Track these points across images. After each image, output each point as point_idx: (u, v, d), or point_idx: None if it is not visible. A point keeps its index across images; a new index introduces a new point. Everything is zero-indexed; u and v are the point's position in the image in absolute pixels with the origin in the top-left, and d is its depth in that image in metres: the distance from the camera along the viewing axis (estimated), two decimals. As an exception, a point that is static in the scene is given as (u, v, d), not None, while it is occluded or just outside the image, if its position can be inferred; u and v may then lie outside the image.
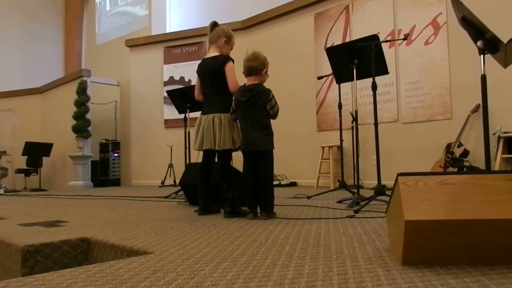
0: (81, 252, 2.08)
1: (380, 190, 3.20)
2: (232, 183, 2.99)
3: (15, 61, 12.04)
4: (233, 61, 3.05)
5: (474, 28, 2.29)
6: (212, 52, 3.15)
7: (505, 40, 2.17)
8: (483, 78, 2.31)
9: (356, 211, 2.89)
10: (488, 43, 2.25)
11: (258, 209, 2.78)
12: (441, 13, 5.33)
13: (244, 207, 2.87)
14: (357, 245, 1.76)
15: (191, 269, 1.41)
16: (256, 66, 2.84)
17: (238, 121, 2.97)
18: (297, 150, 6.76)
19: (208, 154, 3.13)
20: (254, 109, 2.80)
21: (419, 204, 1.35)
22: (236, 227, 2.39)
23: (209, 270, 1.40)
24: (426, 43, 5.46)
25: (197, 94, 3.28)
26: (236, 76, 3.02)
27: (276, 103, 2.83)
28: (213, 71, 3.07)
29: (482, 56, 2.29)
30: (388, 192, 3.22)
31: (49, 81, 10.60)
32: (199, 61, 3.25)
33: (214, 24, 3.22)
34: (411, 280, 1.20)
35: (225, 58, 3.05)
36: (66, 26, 13.38)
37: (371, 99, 3.40)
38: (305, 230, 2.21)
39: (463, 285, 1.15)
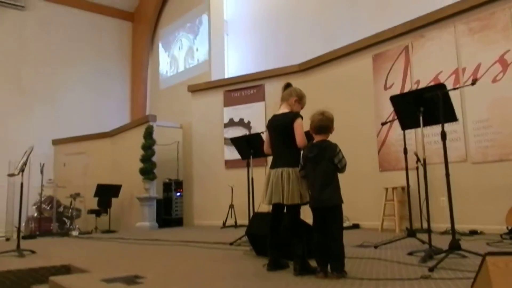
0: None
1: (455, 244, 3.06)
2: (302, 238, 3.00)
3: (87, 108, 13.05)
4: (301, 117, 3.13)
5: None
6: (283, 109, 3.28)
7: None
8: None
9: (431, 269, 2.78)
10: None
11: (329, 267, 2.76)
12: (509, 50, 5.14)
13: (314, 264, 2.86)
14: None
15: None
16: (327, 126, 2.92)
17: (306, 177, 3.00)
18: (359, 191, 6.62)
19: (277, 208, 3.18)
20: (323, 163, 2.84)
21: (511, 292, 1.30)
22: (308, 289, 2.39)
23: None
24: (494, 80, 5.26)
25: (266, 148, 3.40)
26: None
27: (343, 156, 2.86)
28: (282, 126, 3.18)
29: None
30: (461, 242, 3.12)
31: (118, 125, 11.36)
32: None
33: (288, 85, 3.37)
34: None
35: (294, 115, 3.15)
36: (132, 73, 14.41)
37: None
38: (381, 295, 2.16)
39: None
